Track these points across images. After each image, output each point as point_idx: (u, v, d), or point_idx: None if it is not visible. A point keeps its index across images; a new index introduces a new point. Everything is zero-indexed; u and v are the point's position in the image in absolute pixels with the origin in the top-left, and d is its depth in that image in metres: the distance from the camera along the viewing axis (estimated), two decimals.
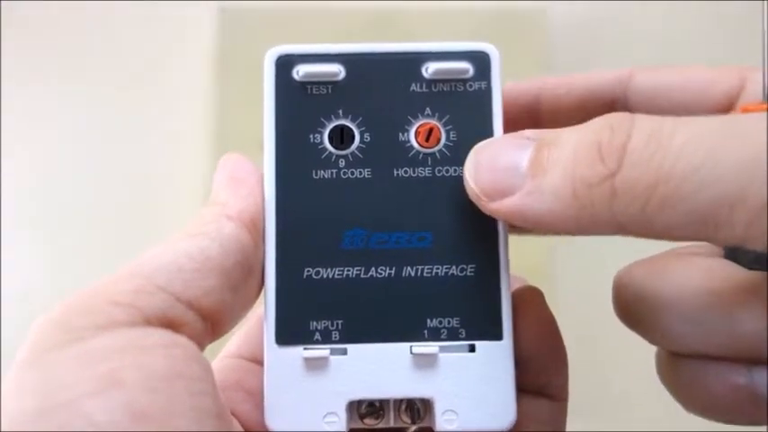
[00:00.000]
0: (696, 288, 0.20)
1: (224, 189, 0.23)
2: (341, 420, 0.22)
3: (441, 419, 0.22)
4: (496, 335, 0.23)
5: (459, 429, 0.22)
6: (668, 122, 0.19)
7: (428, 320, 0.23)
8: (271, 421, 0.22)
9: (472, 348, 0.23)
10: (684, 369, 0.21)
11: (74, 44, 0.70)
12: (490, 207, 0.22)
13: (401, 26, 0.69)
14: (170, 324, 0.20)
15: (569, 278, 0.60)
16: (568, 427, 0.24)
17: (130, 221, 0.66)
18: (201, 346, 0.21)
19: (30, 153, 0.68)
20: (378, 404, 0.23)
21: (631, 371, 0.60)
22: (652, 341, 0.22)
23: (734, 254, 0.21)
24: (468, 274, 0.23)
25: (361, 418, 0.22)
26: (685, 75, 0.27)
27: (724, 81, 0.26)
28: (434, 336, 0.23)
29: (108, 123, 0.69)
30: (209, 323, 0.21)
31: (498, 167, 0.22)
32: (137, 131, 0.68)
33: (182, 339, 0.20)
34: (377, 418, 0.23)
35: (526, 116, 0.29)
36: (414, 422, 0.23)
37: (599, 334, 0.51)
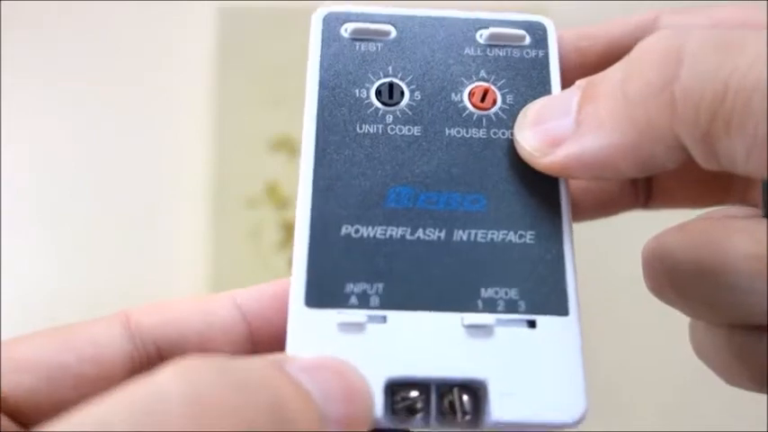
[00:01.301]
0: (743, 254, 0.18)
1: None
2: (377, 403, 0.18)
3: (496, 406, 0.18)
4: (561, 310, 0.20)
5: (519, 420, 0.19)
6: (731, 32, 0.17)
7: (482, 290, 0.20)
8: None
9: (532, 324, 0.20)
10: (733, 341, 0.19)
11: (74, 44, 0.70)
12: (544, 162, 0.20)
13: None
14: None
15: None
16: None
17: (130, 221, 0.66)
18: None
19: (30, 152, 0.68)
20: (417, 395, 0.19)
21: (626, 366, 0.60)
22: (694, 315, 0.20)
23: None
24: (528, 241, 0.21)
25: (394, 410, 0.19)
26: (714, 17, 0.24)
27: (757, 22, 0.23)
28: (490, 307, 0.20)
29: (108, 123, 0.68)
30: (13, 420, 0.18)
31: (546, 117, 0.20)
32: (137, 131, 0.68)
33: None
34: (412, 414, 0.19)
35: None
36: (460, 418, 0.19)
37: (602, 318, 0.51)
